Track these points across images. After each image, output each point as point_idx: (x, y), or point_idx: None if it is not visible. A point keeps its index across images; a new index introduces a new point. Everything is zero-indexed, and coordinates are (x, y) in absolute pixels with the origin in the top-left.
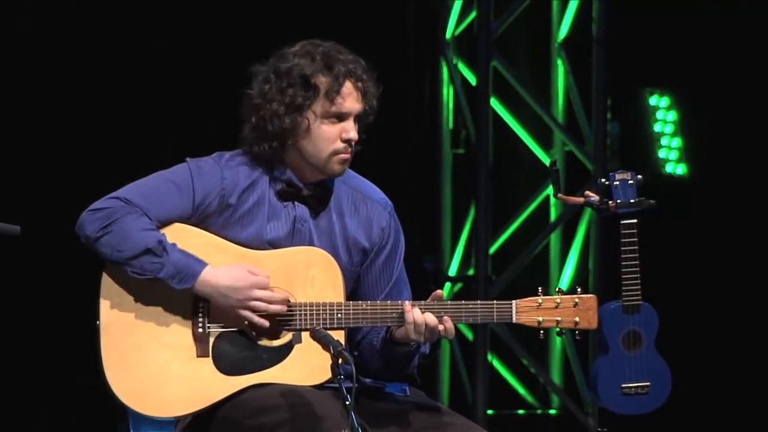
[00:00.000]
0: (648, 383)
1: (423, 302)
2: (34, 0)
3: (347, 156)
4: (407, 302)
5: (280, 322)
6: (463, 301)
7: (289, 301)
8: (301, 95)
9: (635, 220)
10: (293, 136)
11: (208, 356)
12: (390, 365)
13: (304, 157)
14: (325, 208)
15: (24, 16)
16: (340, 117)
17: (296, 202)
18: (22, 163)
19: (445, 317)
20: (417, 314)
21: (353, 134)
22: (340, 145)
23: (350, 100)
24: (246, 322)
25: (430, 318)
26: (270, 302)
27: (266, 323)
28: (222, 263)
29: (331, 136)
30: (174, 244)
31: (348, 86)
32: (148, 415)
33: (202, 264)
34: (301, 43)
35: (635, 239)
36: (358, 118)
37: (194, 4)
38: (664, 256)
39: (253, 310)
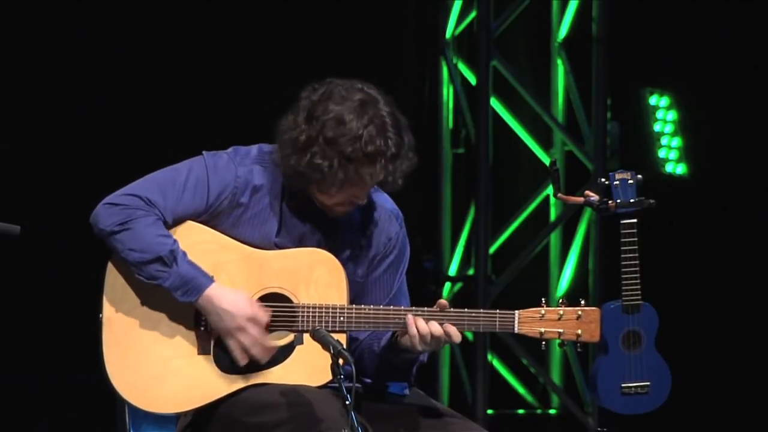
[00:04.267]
0: (648, 383)
1: (426, 309)
2: None
3: (349, 209)
4: (410, 315)
5: (282, 323)
6: (466, 309)
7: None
8: (326, 164)
9: (635, 220)
10: (310, 183)
11: (209, 354)
12: (389, 370)
13: (313, 194)
14: (335, 221)
15: (25, 11)
16: (354, 190)
17: (306, 213)
18: (22, 163)
19: (446, 324)
20: (421, 325)
21: (362, 201)
22: (346, 202)
23: (369, 180)
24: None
25: (435, 328)
26: (257, 344)
27: (245, 361)
28: (227, 262)
29: (342, 199)
30: (185, 254)
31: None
32: (148, 410)
33: (209, 280)
34: (347, 89)
35: (635, 239)
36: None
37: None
38: (664, 256)
39: (238, 343)
